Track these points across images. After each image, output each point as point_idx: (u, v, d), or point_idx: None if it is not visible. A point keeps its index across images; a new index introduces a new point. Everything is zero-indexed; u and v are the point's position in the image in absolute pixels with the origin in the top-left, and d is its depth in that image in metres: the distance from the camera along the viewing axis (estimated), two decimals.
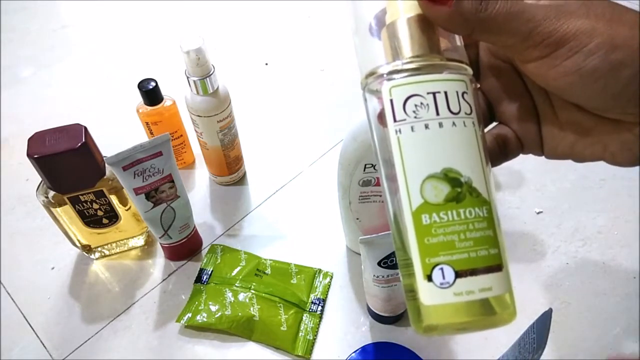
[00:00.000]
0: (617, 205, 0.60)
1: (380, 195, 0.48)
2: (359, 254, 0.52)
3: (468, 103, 0.21)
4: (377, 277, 0.44)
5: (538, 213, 0.60)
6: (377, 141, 0.23)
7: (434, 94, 0.21)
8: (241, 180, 0.66)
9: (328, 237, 0.59)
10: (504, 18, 0.21)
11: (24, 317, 0.54)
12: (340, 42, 0.85)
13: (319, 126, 0.72)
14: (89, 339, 0.52)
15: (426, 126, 0.21)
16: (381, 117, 0.22)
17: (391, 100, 0.21)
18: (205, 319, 0.51)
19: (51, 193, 0.50)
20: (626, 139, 0.23)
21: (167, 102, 0.61)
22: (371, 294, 0.48)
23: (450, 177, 0.21)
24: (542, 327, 0.36)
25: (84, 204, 0.51)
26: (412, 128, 0.21)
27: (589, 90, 0.21)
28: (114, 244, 0.58)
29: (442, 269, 0.20)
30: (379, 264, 0.43)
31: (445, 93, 0.21)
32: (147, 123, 0.62)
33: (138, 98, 0.60)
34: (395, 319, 0.51)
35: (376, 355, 0.49)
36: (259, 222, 0.62)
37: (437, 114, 0.21)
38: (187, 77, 0.53)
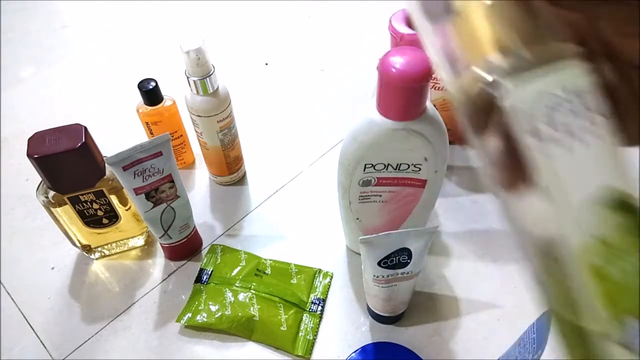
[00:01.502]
0: None
1: (381, 195, 0.48)
2: (359, 254, 0.52)
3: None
4: (377, 277, 0.44)
5: None
6: None
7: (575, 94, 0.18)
8: (241, 180, 0.66)
9: (328, 237, 0.59)
10: None
11: (24, 317, 0.54)
12: (341, 42, 0.85)
13: (319, 126, 0.72)
14: (89, 339, 0.52)
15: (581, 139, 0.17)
16: None
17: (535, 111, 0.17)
18: (205, 319, 0.51)
19: (51, 193, 0.50)
20: None
21: (167, 102, 0.61)
22: (371, 294, 0.48)
23: (621, 201, 0.16)
24: (542, 327, 0.36)
25: (84, 204, 0.51)
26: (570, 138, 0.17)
27: None
28: (114, 244, 0.58)
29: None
30: (379, 264, 0.43)
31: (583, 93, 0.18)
32: (147, 123, 0.62)
33: (138, 98, 0.60)
34: (395, 319, 0.51)
35: (376, 355, 0.49)
36: (259, 222, 0.62)
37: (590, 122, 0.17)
38: (187, 77, 0.53)
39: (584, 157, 0.16)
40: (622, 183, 0.16)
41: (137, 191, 0.49)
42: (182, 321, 0.51)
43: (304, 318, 0.52)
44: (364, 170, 0.45)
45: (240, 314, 0.51)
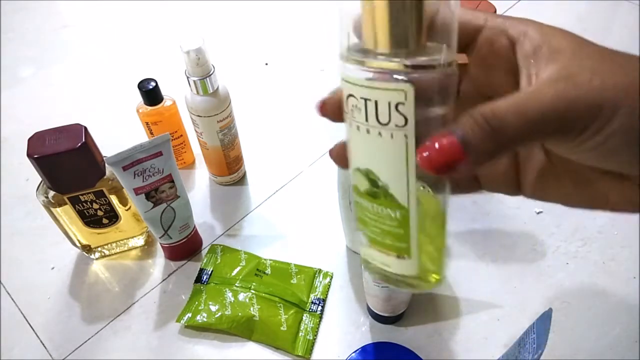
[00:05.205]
0: None
1: None
2: (359, 254, 0.52)
3: (402, 115, 0.20)
4: None
5: (538, 213, 0.60)
6: None
7: (365, 100, 0.21)
8: (241, 180, 0.66)
9: (328, 237, 0.59)
10: (520, 127, 0.19)
11: (24, 317, 0.54)
12: None
13: (319, 126, 0.72)
14: (89, 339, 0.52)
15: (357, 128, 0.21)
16: None
17: (342, 90, 0.22)
18: (205, 319, 0.51)
19: (51, 193, 0.50)
20: (628, 191, 0.22)
21: (167, 102, 0.61)
22: (371, 294, 0.48)
23: (369, 177, 0.22)
24: (542, 327, 0.36)
25: (84, 204, 0.51)
26: (350, 124, 0.22)
27: (606, 160, 0.20)
28: (114, 244, 0.58)
29: (361, 232, 0.24)
30: None
31: (376, 102, 0.20)
32: (147, 123, 0.62)
33: (138, 98, 0.60)
34: (395, 319, 0.51)
35: (376, 355, 0.49)
36: (259, 222, 0.62)
37: (366, 120, 0.21)
38: (187, 77, 0.53)
39: (357, 136, 0.22)
40: (374, 166, 0.22)
41: (137, 191, 0.49)
42: (182, 321, 0.51)
43: (304, 318, 0.52)
44: None
45: (240, 314, 0.51)
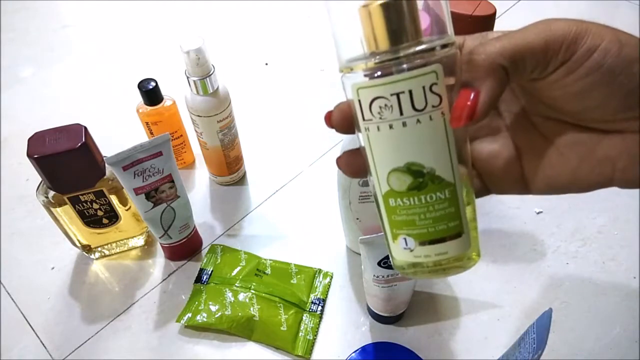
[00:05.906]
0: (617, 205, 0.60)
1: None
2: (359, 254, 0.52)
3: (436, 94, 0.21)
4: (377, 277, 0.44)
5: (538, 213, 0.60)
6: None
7: (397, 94, 0.21)
8: (241, 180, 0.66)
9: (328, 237, 0.59)
10: (503, 49, 0.21)
11: (24, 317, 0.54)
12: None
13: (319, 126, 0.72)
14: (89, 339, 0.52)
15: (390, 126, 0.22)
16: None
17: (359, 101, 0.22)
18: (205, 319, 0.51)
19: (51, 193, 0.50)
20: (635, 152, 0.22)
21: (167, 102, 0.61)
22: (371, 294, 0.48)
23: (412, 170, 0.22)
24: (542, 327, 0.36)
25: (84, 204, 0.51)
26: (377, 128, 0.22)
27: (608, 89, 0.21)
28: (114, 244, 0.58)
29: (405, 238, 0.24)
30: (379, 264, 0.43)
31: (410, 92, 0.21)
32: (147, 123, 0.62)
33: (138, 98, 0.60)
34: (395, 319, 0.51)
35: (376, 355, 0.49)
36: (259, 222, 0.62)
37: (401, 114, 0.21)
38: (187, 77, 0.53)
39: (390, 136, 0.22)
40: (416, 156, 0.22)
41: (137, 191, 0.49)
42: (182, 321, 0.51)
43: (304, 318, 0.52)
44: None
45: (240, 314, 0.51)
